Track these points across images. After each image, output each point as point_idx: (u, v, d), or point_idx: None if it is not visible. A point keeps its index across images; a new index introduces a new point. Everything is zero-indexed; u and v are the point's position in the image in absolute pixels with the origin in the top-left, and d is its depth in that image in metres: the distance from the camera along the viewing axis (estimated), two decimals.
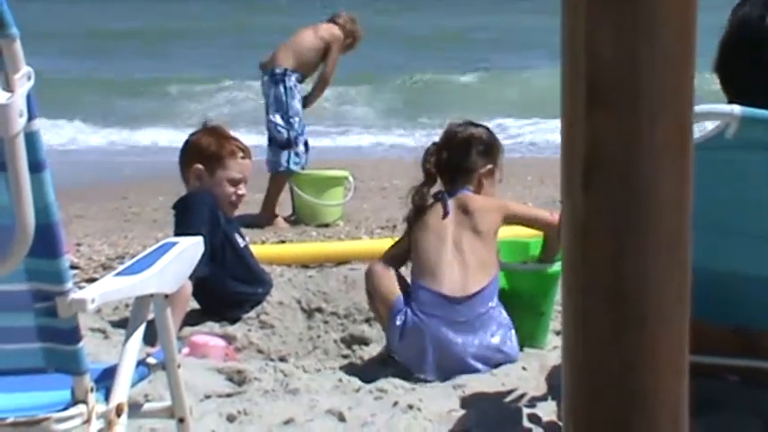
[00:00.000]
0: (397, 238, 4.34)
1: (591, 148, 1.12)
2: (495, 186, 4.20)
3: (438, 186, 4.12)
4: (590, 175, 1.12)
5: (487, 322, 3.83)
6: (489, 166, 4.12)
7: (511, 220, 4.11)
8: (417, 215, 4.01)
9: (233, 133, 4.73)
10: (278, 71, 7.09)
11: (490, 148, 4.14)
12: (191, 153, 4.49)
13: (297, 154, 7.09)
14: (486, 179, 4.11)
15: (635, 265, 1.13)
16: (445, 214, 3.97)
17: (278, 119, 7.08)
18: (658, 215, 1.12)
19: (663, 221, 1.13)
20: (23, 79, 1.85)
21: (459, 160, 4.08)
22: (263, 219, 6.93)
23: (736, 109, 2.28)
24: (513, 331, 3.88)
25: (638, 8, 1.10)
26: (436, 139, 4.20)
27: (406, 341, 3.86)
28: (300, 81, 7.15)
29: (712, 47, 2.65)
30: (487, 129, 4.26)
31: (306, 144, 7.27)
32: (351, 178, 7.23)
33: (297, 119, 7.08)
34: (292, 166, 7.05)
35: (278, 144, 7.07)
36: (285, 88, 7.07)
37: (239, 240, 4.55)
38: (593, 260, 1.15)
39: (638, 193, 1.12)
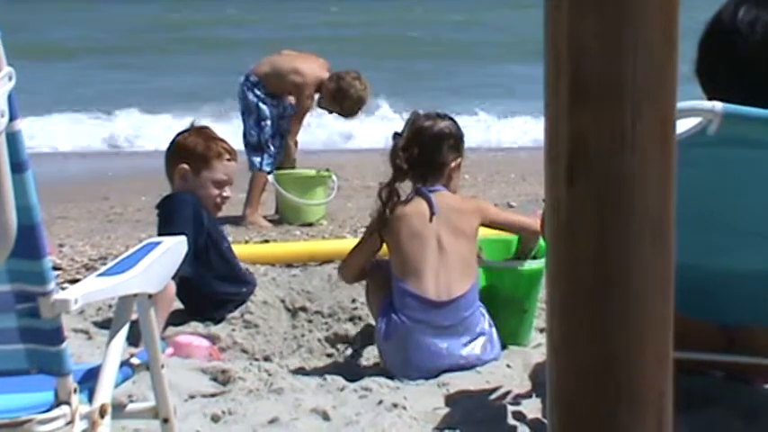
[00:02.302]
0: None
1: (574, 144, 1.12)
2: (460, 176, 4.18)
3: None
4: (574, 170, 1.12)
5: (471, 325, 3.82)
6: (458, 160, 4.09)
7: (488, 224, 4.09)
8: (392, 212, 3.96)
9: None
10: (252, 79, 7.12)
11: (458, 140, 4.09)
12: (177, 152, 4.47)
13: (270, 155, 7.12)
14: (454, 173, 4.09)
15: (619, 258, 1.14)
16: (432, 213, 3.93)
17: (251, 122, 7.13)
18: (642, 209, 1.13)
19: (647, 215, 1.13)
20: (5, 79, 1.84)
21: (432, 156, 4.01)
22: (245, 219, 6.93)
23: (718, 106, 2.29)
24: (494, 329, 3.88)
25: (621, 3, 1.10)
26: (398, 129, 4.09)
27: (390, 345, 3.85)
28: (269, 95, 7.12)
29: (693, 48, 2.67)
30: (453, 120, 4.16)
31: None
32: (334, 177, 7.23)
33: (268, 122, 7.10)
34: (265, 167, 7.08)
35: (250, 146, 7.12)
36: (255, 95, 7.09)
37: (223, 240, 4.55)
38: (577, 254, 1.15)
39: (621, 187, 1.12)
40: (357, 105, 7.10)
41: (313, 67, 7.14)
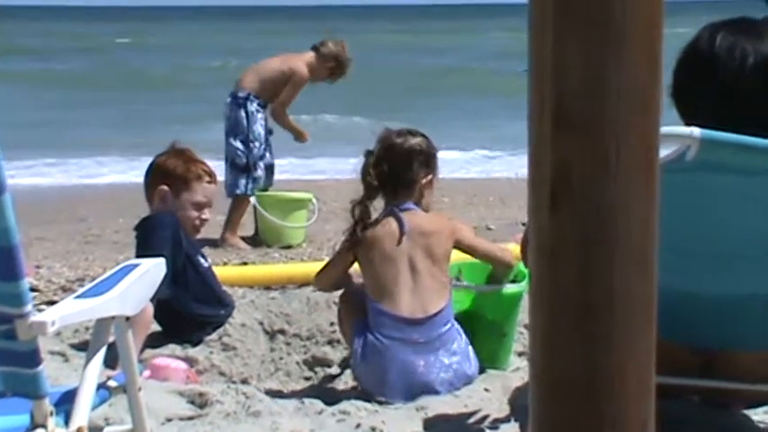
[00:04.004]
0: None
1: (558, 170, 1.13)
2: (433, 193, 4.18)
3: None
4: (557, 195, 1.13)
5: (447, 342, 3.82)
6: (429, 176, 4.08)
7: (460, 247, 4.08)
8: (364, 231, 3.96)
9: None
10: (241, 95, 7.09)
11: (429, 157, 4.08)
12: (157, 174, 4.46)
13: (254, 179, 7.11)
14: (426, 189, 4.08)
15: (601, 284, 1.14)
16: (402, 234, 3.93)
17: (238, 143, 7.09)
18: (625, 235, 1.13)
19: (629, 241, 1.13)
20: None
21: (402, 173, 4.00)
22: (224, 241, 6.93)
23: (696, 131, 2.30)
24: (470, 347, 3.88)
25: (604, 30, 1.11)
26: (370, 147, 4.08)
27: (366, 365, 3.84)
28: (263, 106, 7.13)
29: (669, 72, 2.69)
30: (424, 136, 4.14)
31: (271, 166, 7.29)
32: (314, 200, 7.24)
33: (257, 143, 7.09)
34: (249, 191, 7.06)
35: (237, 168, 7.08)
36: (246, 112, 7.07)
37: (202, 262, 4.53)
38: (560, 280, 1.15)
39: (604, 213, 1.13)
40: (348, 67, 7.36)
41: (296, 57, 7.29)
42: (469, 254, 4.16)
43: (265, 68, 7.23)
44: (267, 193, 7.22)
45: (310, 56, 7.24)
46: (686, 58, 2.71)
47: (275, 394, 3.93)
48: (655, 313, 1.17)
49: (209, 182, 4.50)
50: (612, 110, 1.11)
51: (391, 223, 3.96)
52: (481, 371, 3.92)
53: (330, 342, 4.48)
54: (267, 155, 7.21)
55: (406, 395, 3.69)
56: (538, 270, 1.18)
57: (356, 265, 4.07)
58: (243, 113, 7.07)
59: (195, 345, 4.38)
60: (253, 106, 7.07)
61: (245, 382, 4.16)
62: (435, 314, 3.83)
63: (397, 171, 3.99)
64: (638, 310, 1.16)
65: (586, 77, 1.11)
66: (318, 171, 11.50)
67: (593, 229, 1.13)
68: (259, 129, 7.10)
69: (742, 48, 2.64)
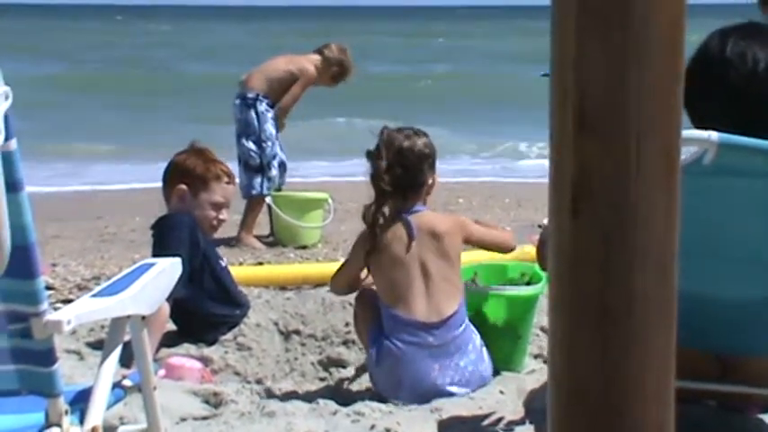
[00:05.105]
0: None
1: (579, 172, 1.12)
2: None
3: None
4: (578, 198, 1.12)
5: (462, 344, 3.82)
6: (434, 176, 4.07)
7: (469, 241, 4.07)
8: (376, 237, 3.93)
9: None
10: (249, 96, 7.10)
11: (434, 158, 4.06)
12: (175, 172, 4.47)
13: (269, 178, 7.11)
14: (430, 189, 4.06)
15: (622, 287, 1.14)
16: (411, 239, 3.92)
17: (250, 144, 7.10)
18: (646, 239, 1.13)
19: (650, 245, 1.13)
20: (1, 98, 1.84)
21: (415, 177, 3.97)
22: (240, 241, 6.94)
23: (714, 135, 2.30)
24: (485, 349, 3.87)
25: (626, 33, 1.11)
26: (371, 147, 4.01)
27: (382, 369, 3.84)
28: (271, 106, 7.15)
29: None
30: (426, 134, 4.09)
31: (283, 164, 7.29)
32: (330, 201, 7.24)
33: (269, 143, 7.10)
34: (265, 191, 7.07)
35: (251, 169, 7.09)
36: (257, 113, 7.07)
37: (219, 262, 4.54)
38: (581, 283, 1.15)
39: (625, 216, 1.12)
40: (351, 73, 7.44)
41: (302, 57, 7.33)
42: (479, 246, 4.16)
43: (271, 68, 7.24)
44: (283, 193, 7.23)
45: (316, 58, 7.27)
46: (696, 63, 2.70)
47: (290, 394, 3.93)
48: (674, 317, 1.16)
49: (227, 182, 4.51)
50: (634, 113, 1.11)
51: (400, 228, 3.93)
52: (496, 373, 3.92)
53: (345, 343, 4.48)
54: (279, 153, 7.22)
55: (421, 399, 3.69)
56: (558, 273, 1.17)
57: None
58: (253, 114, 7.07)
59: (210, 344, 4.39)
60: (262, 106, 7.08)
61: (259, 382, 4.16)
62: (450, 317, 3.82)
63: (410, 176, 3.96)
64: (658, 313, 1.15)
65: (608, 81, 1.11)
66: (334, 172, 11.50)
67: (613, 233, 1.12)
68: (270, 128, 7.11)
69: (754, 53, 2.63)
